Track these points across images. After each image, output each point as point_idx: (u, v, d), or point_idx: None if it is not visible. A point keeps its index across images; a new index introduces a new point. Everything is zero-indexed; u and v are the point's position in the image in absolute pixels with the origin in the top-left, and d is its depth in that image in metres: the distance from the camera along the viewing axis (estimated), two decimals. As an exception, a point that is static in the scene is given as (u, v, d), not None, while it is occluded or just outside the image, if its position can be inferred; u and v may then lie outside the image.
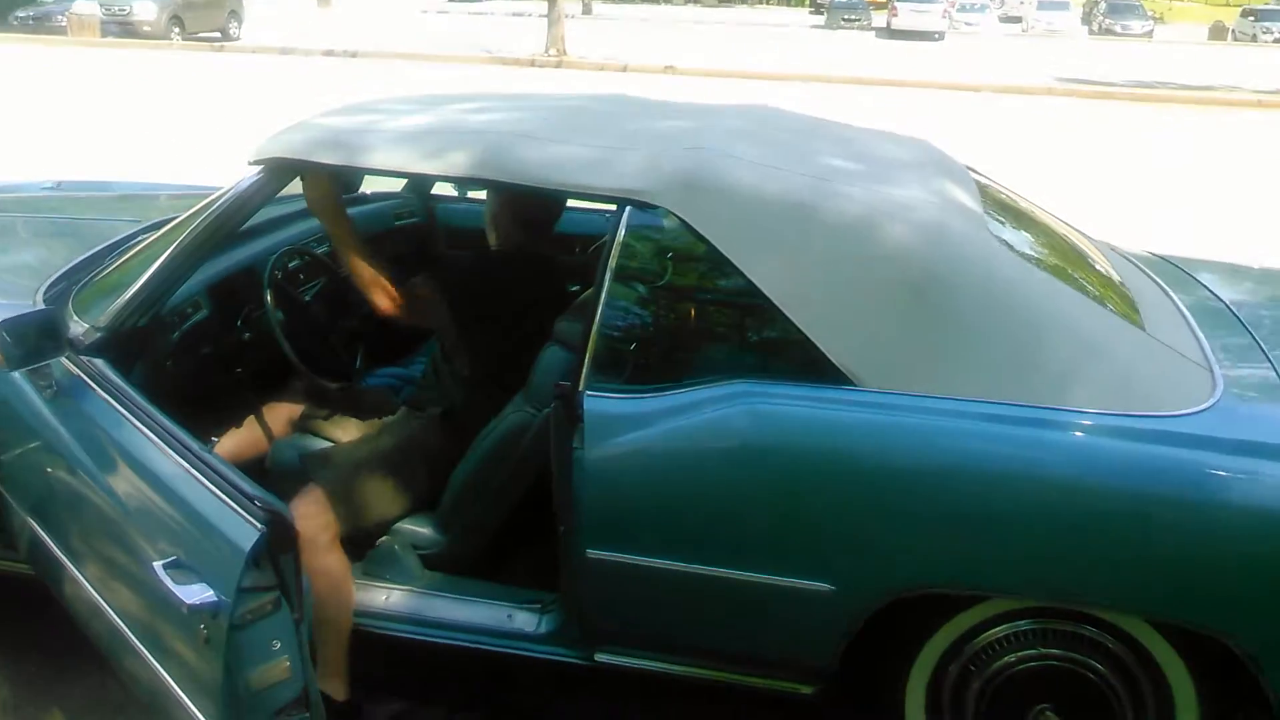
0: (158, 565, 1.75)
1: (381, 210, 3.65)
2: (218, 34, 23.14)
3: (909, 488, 1.97)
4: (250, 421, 2.71)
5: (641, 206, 2.15)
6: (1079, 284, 2.38)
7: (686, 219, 2.10)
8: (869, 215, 2.13)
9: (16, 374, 2.14)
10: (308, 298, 2.89)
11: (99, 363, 2.16)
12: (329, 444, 2.63)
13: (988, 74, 19.84)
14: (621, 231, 2.17)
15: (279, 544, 1.74)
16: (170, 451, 1.91)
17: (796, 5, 59.81)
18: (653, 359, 2.25)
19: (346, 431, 2.71)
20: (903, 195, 2.22)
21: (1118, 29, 36.09)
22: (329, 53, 20.15)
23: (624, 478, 2.08)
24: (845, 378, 2.02)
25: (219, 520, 1.76)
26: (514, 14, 36.03)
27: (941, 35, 31.68)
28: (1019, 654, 2.10)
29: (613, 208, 2.27)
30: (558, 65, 19.51)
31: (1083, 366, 2.05)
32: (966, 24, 35.76)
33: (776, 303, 2.04)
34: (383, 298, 2.45)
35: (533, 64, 19.65)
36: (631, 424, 2.07)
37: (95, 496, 2.00)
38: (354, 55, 20.00)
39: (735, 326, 2.28)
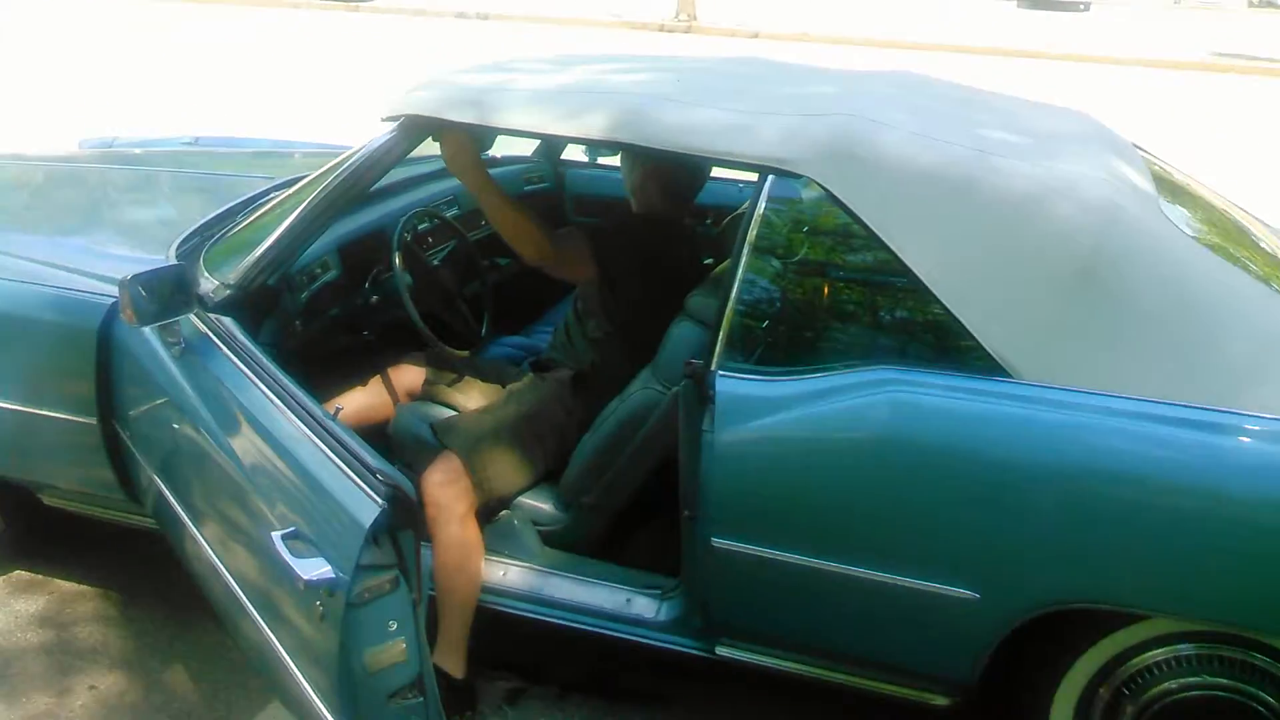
0: (276, 536, 1.70)
1: (510, 174, 3.58)
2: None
3: (1065, 493, 1.80)
4: (375, 384, 2.68)
5: (784, 175, 2.01)
6: (1259, 272, 2.17)
7: (833, 190, 1.95)
8: (1034, 191, 1.95)
9: (147, 329, 2.13)
10: (435, 262, 2.84)
11: (227, 321, 2.14)
12: (454, 412, 2.57)
13: (1138, 47, 18.89)
14: (762, 203, 2.03)
15: (400, 520, 1.67)
16: (293, 417, 1.86)
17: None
18: (790, 339, 2.11)
19: (470, 399, 2.65)
20: (1070, 170, 2.03)
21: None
22: (461, 15, 20.30)
23: (755, 465, 1.96)
24: (1000, 368, 1.86)
25: (340, 492, 1.71)
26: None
27: (1087, 6, 30.27)
28: (1180, 681, 1.92)
29: (752, 177, 2.14)
30: (687, 30, 19.27)
31: (1266, 364, 1.85)
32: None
33: (927, 283, 1.89)
34: (530, 246, 2.40)
35: (661, 29, 19.44)
36: (765, 408, 1.95)
37: (218, 457, 1.98)
38: (485, 18, 20.11)
39: (881, 308, 2.12)
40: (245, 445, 1.91)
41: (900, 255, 1.91)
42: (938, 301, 1.88)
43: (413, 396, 2.67)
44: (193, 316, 2.13)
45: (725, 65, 2.60)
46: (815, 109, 2.13)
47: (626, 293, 2.50)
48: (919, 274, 1.89)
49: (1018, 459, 1.83)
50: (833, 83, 2.46)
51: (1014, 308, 1.88)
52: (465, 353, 2.71)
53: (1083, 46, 18.90)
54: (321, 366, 2.54)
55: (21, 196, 3.09)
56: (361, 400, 2.63)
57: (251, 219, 2.53)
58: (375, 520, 1.64)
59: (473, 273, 2.94)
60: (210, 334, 2.11)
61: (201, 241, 2.51)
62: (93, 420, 2.36)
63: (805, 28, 20.08)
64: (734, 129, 2.05)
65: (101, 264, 2.43)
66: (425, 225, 2.90)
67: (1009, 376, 1.86)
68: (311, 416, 1.85)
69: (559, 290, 3.20)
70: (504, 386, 2.67)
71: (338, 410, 2.01)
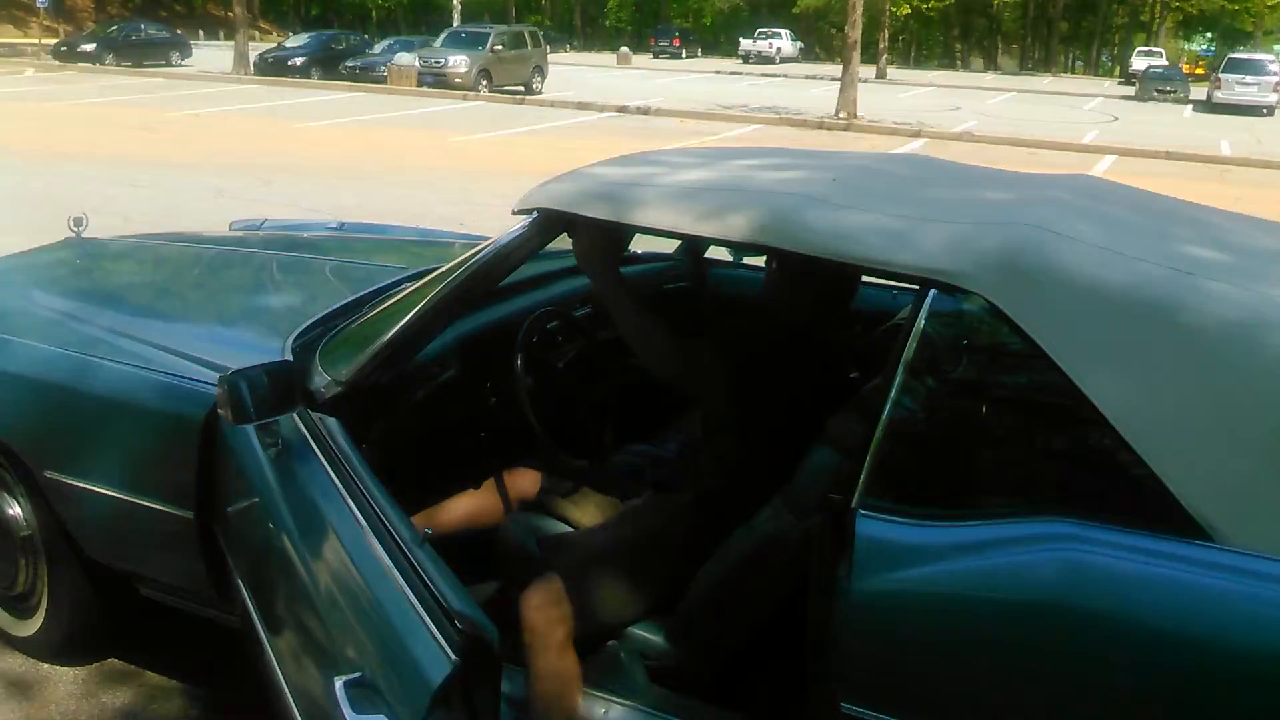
0: (339, 683, 1.52)
1: (650, 272, 3.42)
2: (522, 88, 24.38)
3: (1277, 689, 1.47)
4: (487, 488, 2.52)
5: (949, 290, 1.76)
6: None
7: (1005, 309, 1.70)
8: (1245, 319, 1.66)
9: (247, 426, 2.01)
10: (561, 364, 2.68)
11: (331, 423, 2.01)
12: (567, 528, 2.39)
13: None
14: (922, 319, 1.79)
15: (477, 676, 1.47)
16: (376, 542, 1.70)
17: (1104, 74, 56.90)
18: (948, 478, 1.84)
19: (587, 513, 2.46)
20: (1287, 297, 1.73)
21: None
22: (623, 109, 20.73)
23: (899, 624, 1.69)
24: (1200, 529, 1.55)
25: (412, 640, 1.52)
26: (808, 76, 36.08)
27: (1271, 110, 28.93)
28: None
29: (907, 287, 1.91)
30: (846, 128, 19.18)
31: None
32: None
33: (1114, 423, 1.60)
34: (655, 359, 2.25)
35: (821, 126, 19.41)
36: (914, 557, 1.68)
37: (297, 573, 1.83)
38: (646, 112, 20.47)
39: (1056, 447, 1.83)
40: (324, 567, 1.76)
41: (1083, 388, 1.63)
42: (1126, 445, 1.59)
43: (526, 505, 2.50)
44: (295, 416, 2.01)
45: (886, 164, 2.39)
46: (987, 216, 1.90)
47: (759, 412, 2.29)
48: (1105, 411, 1.61)
49: (1218, 643, 1.50)
50: (1006, 187, 2.22)
51: (1220, 458, 1.58)
52: (584, 462, 2.53)
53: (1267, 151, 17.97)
54: (435, 468, 2.39)
55: (155, 277, 3.09)
56: (471, 504, 2.47)
57: (374, 312, 2.42)
58: (446, 678, 1.44)
59: (599, 376, 2.77)
60: (309, 437, 1.98)
61: (323, 333, 2.42)
62: (189, 515, 2.26)
63: (968, 127, 19.74)
64: (894, 236, 1.83)
65: (218, 351, 2.35)
66: (552, 325, 2.76)
67: (1210, 540, 1.55)
68: (397, 541, 1.68)
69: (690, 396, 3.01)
70: (623, 501, 2.48)
71: (426, 535, 1.82)
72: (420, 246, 3.79)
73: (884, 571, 1.68)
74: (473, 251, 2.26)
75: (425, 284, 2.37)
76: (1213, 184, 13.80)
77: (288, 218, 8.50)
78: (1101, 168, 15.60)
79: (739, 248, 2.26)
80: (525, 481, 2.53)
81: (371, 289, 2.68)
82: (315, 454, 1.94)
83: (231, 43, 26.55)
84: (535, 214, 2.15)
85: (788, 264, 2.35)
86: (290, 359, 2.20)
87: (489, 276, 2.16)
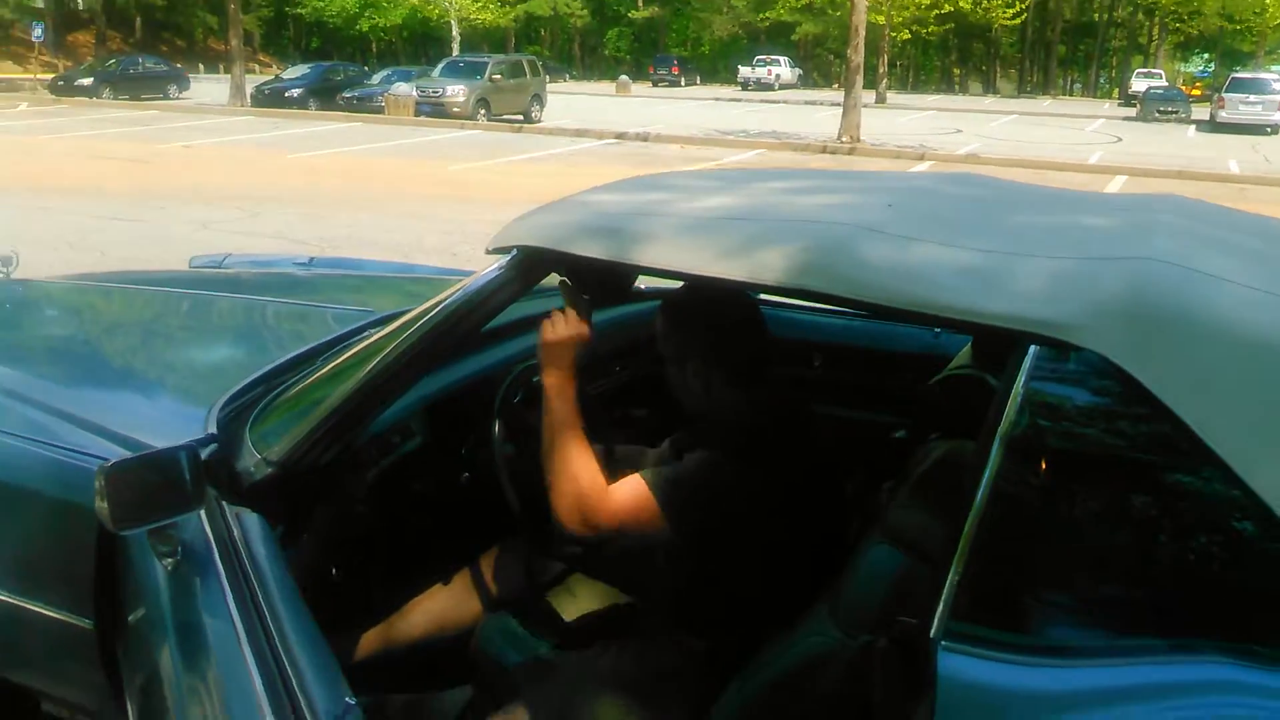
0: None
1: (649, 313, 2.97)
2: (520, 116, 24.08)
3: None
4: (460, 581, 2.09)
5: (1056, 345, 1.33)
6: None
7: (1132, 371, 1.25)
8: None
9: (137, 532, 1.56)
10: None
11: (250, 521, 1.57)
12: (551, 635, 1.94)
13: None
14: (1022, 379, 1.35)
15: None
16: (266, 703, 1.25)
17: (1103, 96, 56.76)
18: (1065, 599, 1.38)
19: (580, 602, 2.03)
20: None
21: None
22: (621, 136, 20.40)
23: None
24: None
25: None
26: (807, 101, 35.86)
27: (1276, 128, 28.62)
28: None
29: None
30: (850, 152, 18.81)
31: None
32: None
33: None
34: (573, 514, 1.76)
35: (824, 150, 19.06)
36: (1020, 710, 1.24)
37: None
38: (645, 139, 20.14)
39: (1211, 560, 1.37)
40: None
41: (1247, 480, 1.19)
42: None
43: (507, 601, 2.05)
44: (200, 515, 1.57)
45: (947, 185, 1.94)
46: (1095, 250, 1.47)
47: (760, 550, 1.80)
48: (1277, 509, 1.17)
49: None
50: (1099, 211, 1.79)
51: None
52: (576, 547, 2.09)
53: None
54: (395, 560, 1.95)
55: (78, 326, 2.65)
56: (441, 605, 2.05)
57: (319, 373, 1.98)
58: None
59: (592, 439, 2.33)
60: (213, 543, 1.53)
61: (260, 397, 1.98)
62: (88, 624, 1.81)
63: (973, 149, 19.40)
64: (979, 276, 1.39)
65: (129, 421, 1.90)
66: (538, 379, 2.32)
67: None
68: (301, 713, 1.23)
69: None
70: (624, 589, 2.04)
71: (349, 705, 1.32)
72: (397, 284, 3.36)
73: (983, 731, 1.23)
74: (441, 297, 1.83)
75: (382, 337, 1.94)
76: (1233, 204, 13.39)
77: (266, 251, 8.15)
78: (1113, 188, 15.22)
79: (779, 293, 1.61)
80: (506, 571, 2.09)
81: (323, 340, 2.24)
82: (216, 573, 1.49)
83: (230, 75, 26.27)
84: (515, 252, 1.73)
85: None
86: (214, 432, 1.77)
87: (458, 327, 1.74)
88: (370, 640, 2.08)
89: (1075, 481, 1.40)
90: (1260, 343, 1.25)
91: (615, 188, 2.02)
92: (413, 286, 3.37)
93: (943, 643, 1.26)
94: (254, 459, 1.70)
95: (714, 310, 1.85)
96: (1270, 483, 1.18)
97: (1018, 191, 2.01)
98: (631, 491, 1.74)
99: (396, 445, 2.06)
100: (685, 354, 1.87)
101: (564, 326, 1.80)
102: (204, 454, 1.62)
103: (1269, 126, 28.43)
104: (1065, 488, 1.39)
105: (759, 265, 1.52)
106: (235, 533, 1.54)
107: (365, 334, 2.25)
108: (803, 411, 1.95)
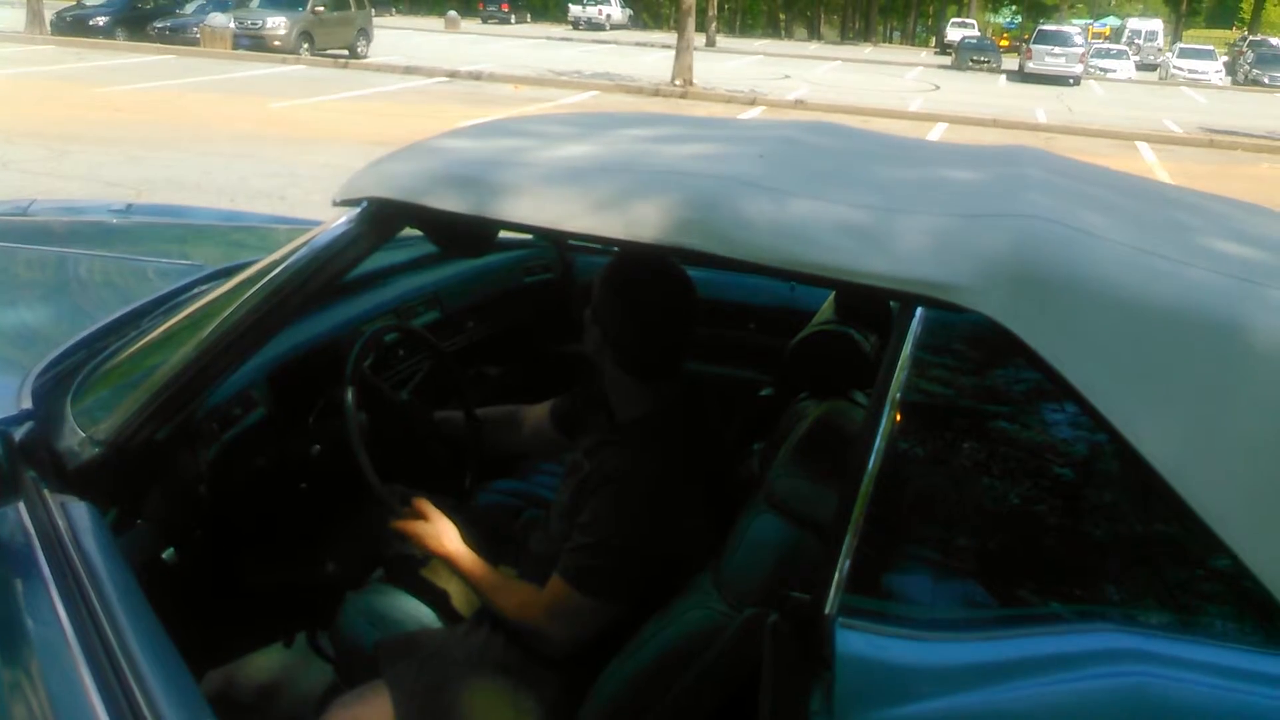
0: None
1: (507, 264, 2.88)
2: (346, 51, 23.12)
3: None
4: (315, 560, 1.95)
5: (942, 308, 1.30)
6: None
7: (1024, 337, 1.23)
8: None
9: None
10: (405, 393, 2.12)
11: (77, 512, 1.40)
12: (421, 615, 1.84)
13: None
14: (908, 345, 1.32)
15: None
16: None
17: (921, 44, 58.64)
18: (960, 570, 1.35)
19: (452, 578, 1.93)
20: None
21: (1265, 80, 34.03)
22: (453, 74, 19.84)
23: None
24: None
25: None
26: (638, 44, 35.65)
27: (1077, 80, 30.20)
28: None
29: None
30: (683, 95, 18.82)
31: None
32: (1102, 70, 34.29)
33: (1183, 494, 1.16)
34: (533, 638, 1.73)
35: (657, 93, 19.00)
36: (921, 685, 1.22)
37: None
38: (478, 78, 19.65)
39: (1103, 525, 1.35)
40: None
41: (1136, 444, 1.18)
42: (1201, 524, 1.17)
43: (370, 580, 1.94)
44: (19, 507, 1.40)
45: (811, 135, 1.89)
46: (972, 206, 1.44)
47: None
48: (1166, 475, 1.17)
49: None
50: (967, 163, 1.78)
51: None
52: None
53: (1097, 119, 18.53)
54: (242, 543, 1.81)
55: None
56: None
57: (149, 336, 1.80)
58: None
59: (451, 398, 2.21)
60: (34, 538, 1.37)
61: (81, 365, 1.78)
62: None
63: (801, 95, 19.72)
64: (861, 233, 1.35)
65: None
66: (391, 338, 2.18)
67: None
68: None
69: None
70: (499, 542, 1.96)
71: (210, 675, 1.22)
72: (227, 234, 3.13)
73: (882, 707, 1.21)
74: (284, 252, 1.69)
75: (220, 296, 1.78)
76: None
77: (77, 196, 7.57)
78: (934, 135, 15.73)
79: (656, 251, 1.53)
80: (365, 548, 1.97)
81: (149, 299, 2.05)
82: (39, 566, 1.33)
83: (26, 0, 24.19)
84: (365, 204, 1.60)
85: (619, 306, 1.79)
86: (29, 408, 1.58)
87: (306, 286, 1.60)
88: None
89: (965, 448, 1.38)
90: (1143, 303, 1.24)
91: (469, 133, 1.90)
92: (241, 236, 3.15)
93: (839, 619, 1.23)
94: (78, 437, 1.53)
95: (639, 289, 1.76)
96: (1156, 444, 1.18)
97: (876, 141, 1.98)
98: (562, 601, 1.70)
99: (238, 418, 1.90)
100: (596, 315, 1.78)
101: (430, 530, 1.78)
102: (18, 434, 1.44)
103: (1071, 78, 29.99)
104: (957, 455, 1.38)
105: (632, 221, 1.44)
106: (60, 524, 1.37)
107: (195, 291, 2.08)
108: (695, 390, 1.89)
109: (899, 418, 1.28)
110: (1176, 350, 1.22)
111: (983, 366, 1.37)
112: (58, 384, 1.70)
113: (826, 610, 1.23)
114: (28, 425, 1.52)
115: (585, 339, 1.82)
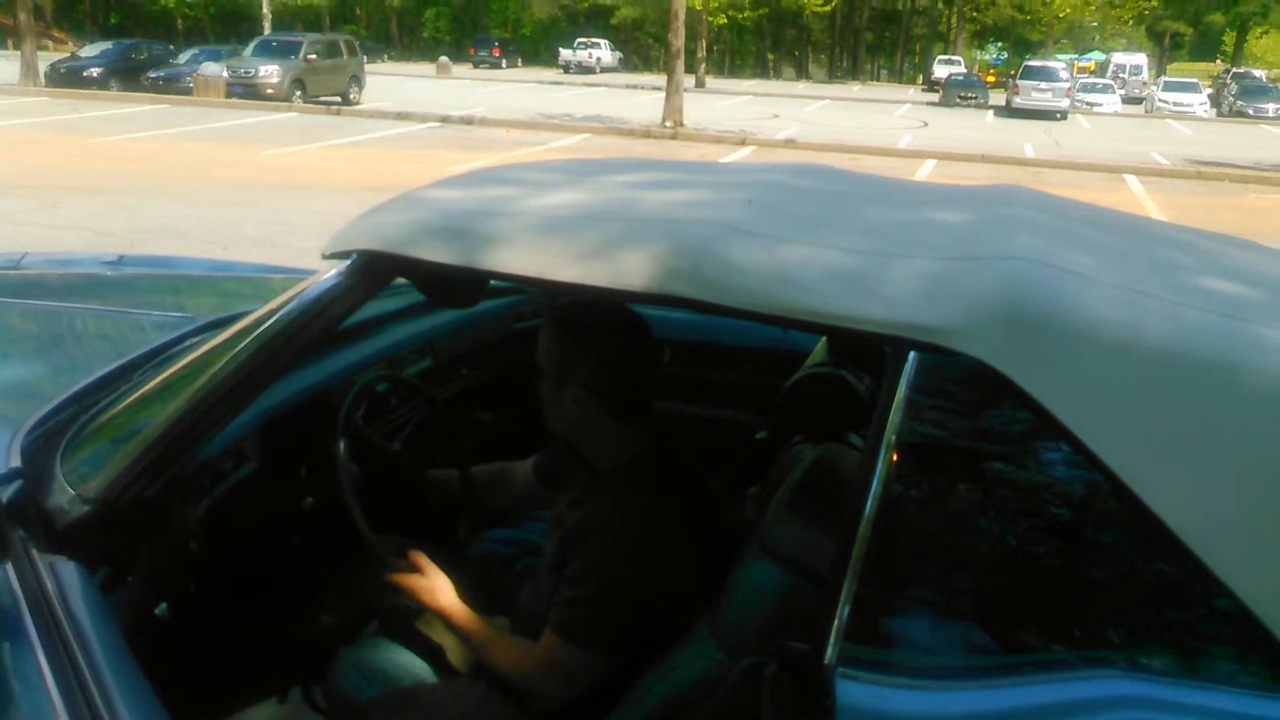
0: None
1: (499, 310, 2.88)
2: (338, 99, 23.27)
3: None
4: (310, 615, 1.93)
5: (934, 352, 1.30)
6: None
7: (1013, 377, 1.24)
8: None
9: None
10: (397, 443, 2.11)
11: (65, 572, 1.39)
12: (416, 669, 1.82)
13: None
14: (902, 387, 1.32)
15: None
16: None
17: (908, 81, 59.19)
18: (962, 615, 1.33)
19: (447, 635, 1.91)
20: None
21: (1250, 111, 34.39)
22: (445, 119, 19.96)
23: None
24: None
25: None
26: (628, 85, 35.95)
27: (1064, 114, 30.46)
28: None
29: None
30: (674, 136, 18.95)
31: None
32: (1088, 104, 34.61)
33: (1183, 537, 1.16)
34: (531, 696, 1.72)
35: (648, 135, 19.13)
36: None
37: None
38: (470, 123, 19.77)
39: (1105, 568, 1.32)
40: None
41: (1131, 484, 1.19)
42: (1202, 567, 1.16)
43: (368, 624, 1.92)
44: (5, 568, 1.38)
45: (800, 179, 1.90)
46: (961, 249, 1.45)
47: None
48: (1169, 521, 1.17)
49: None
50: (954, 205, 1.79)
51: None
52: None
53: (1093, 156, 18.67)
54: (233, 592, 1.79)
55: None
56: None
57: (139, 392, 1.80)
58: None
59: (444, 448, 2.20)
60: (21, 600, 1.35)
61: (71, 421, 1.78)
62: None
63: (791, 134, 19.86)
64: (851, 279, 1.35)
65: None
66: (383, 388, 2.18)
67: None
68: None
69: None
70: (493, 592, 1.95)
71: None
72: (218, 284, 3.13)
73: (882, 758, 1.19)
74: (274, 305, 1.69)
75: (209, 350, 1.78)
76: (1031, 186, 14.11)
77: (70, 247, 7.58)
78: (924, 172, 15.83)
79: (642, 300, 1.54)
80: (358, 601, 1.96)
81: (140, 351, 2.04)
82: (26, 630, 1.31)
83: (19, 52, 24.31)
84: (354, 257, 1.60)
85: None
86: (18, 466, 1.57)
87: (296, 339, 1.60)
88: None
89: (963, 491, 1.37)
90: (1134, 343, 1.24)
91: (457, 182, 1.90)
92: (234, 286, 3.16)
93: (839, 669, 1.21)
94: (68, 496, 1.52)
95: (605, 331, 1.75)
96: (1155, 487, 1.18)
97: (864, 183, 1.99)
98: (555, 656, 1.69)
99: (229, 471, 1.89)
100: (566, 375, 1.76)
101: (424, 585, 1.76)
102: (7, 494, 1.43)
103: (1058, 112, 30.24)
104: (954, 498, 1.37)
105: (621, 269, 1.44)
106: (49, 585, 1.36)
107: (187, 344, 2.08)
108: (673, 435, 1.87)
109: (895, 460, 1.28)
110: (1168, 390, 1.22)
111: (978, 407, 1.36)
112: (48, 441, 1.69)
113: (826, 660, 1.22)
114: (16, 484, 1.51)
115: (554, 409, 1.79)
